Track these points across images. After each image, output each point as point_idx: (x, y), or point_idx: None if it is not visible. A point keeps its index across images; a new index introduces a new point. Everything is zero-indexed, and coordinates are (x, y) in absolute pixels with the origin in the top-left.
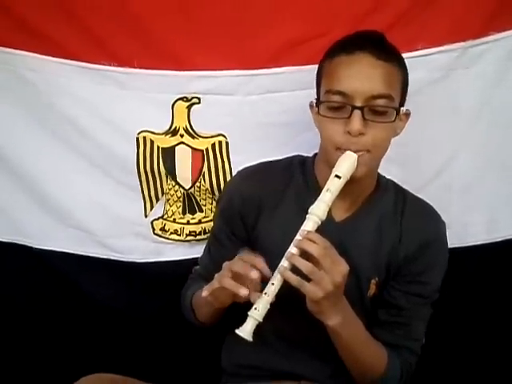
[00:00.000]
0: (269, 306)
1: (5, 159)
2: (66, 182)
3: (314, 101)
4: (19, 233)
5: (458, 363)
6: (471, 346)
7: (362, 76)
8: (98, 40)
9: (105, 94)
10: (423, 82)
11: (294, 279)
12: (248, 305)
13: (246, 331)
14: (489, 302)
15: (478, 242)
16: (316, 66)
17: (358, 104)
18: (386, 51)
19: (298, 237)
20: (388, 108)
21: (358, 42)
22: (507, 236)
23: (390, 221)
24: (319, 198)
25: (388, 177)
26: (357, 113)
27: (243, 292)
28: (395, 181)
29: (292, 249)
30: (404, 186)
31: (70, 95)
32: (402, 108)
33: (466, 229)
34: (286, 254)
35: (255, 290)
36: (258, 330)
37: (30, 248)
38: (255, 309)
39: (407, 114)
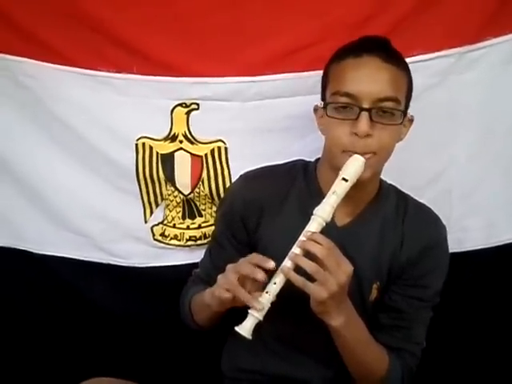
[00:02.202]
0: (270, 305)
1: (4, 164)
2: (66, 187)
3: (320, 104)
4: (18, 238)
5: (458, 367)
6: (470, 350)
7: (369, 78)
8: (96, 46)
9: (104, 100)
10: (420, 87)
11: (298, 279)
12: (247, 308)
13: (245, 329)
14: (488, 307)
15: (477, 247)
16: (313, 73)
17: (366, 106)
18: (393, 55)
19: (301, 237)
20: (395, 110)
21: (366, 46)
22: (506, 241)
23: (391, 225)
24: (325, 199)
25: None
26: (364, 114)
27: (260, 276)
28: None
29: (295, 249)
30: None
31: (69, 101)
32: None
33: (464, 234)
34: (289, 254)
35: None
36: (259, 334)
37: (30, 253)
38: None
39: (411, 120)
